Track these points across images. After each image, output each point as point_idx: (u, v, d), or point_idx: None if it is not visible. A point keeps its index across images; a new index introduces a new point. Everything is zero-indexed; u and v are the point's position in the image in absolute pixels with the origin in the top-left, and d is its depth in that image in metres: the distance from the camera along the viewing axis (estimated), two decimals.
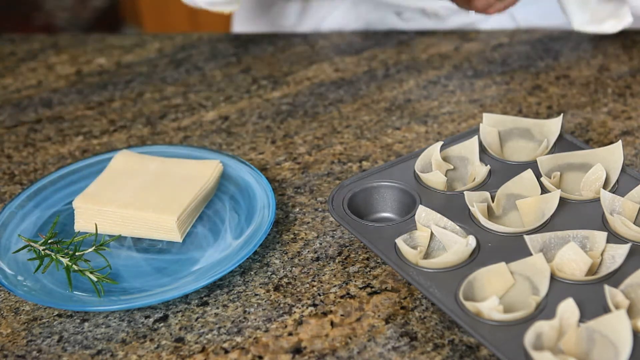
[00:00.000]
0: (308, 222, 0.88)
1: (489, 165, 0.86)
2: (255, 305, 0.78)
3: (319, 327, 0.75)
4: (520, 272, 0.73)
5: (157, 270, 0.83)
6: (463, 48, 1.20)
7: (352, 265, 0.82)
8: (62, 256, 0.81)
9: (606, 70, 1.11)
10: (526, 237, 0.75)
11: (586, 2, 1.00)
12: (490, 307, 0.69)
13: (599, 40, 1.17)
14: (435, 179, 0.84)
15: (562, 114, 0.92)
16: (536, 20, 1.24)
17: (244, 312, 0.78)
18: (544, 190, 0.82)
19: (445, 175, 0.85)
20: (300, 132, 1.03)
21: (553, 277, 0.72)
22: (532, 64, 1.14)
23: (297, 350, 0.73)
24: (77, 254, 0.81)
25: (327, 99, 1.10)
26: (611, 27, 0.98)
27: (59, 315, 0.79)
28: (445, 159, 0.88)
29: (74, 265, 0.80)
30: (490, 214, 0.82)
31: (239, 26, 1.40)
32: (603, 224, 0.78)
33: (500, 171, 0.86)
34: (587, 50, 1.16)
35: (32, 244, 0.82)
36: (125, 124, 1.09)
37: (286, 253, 0.84)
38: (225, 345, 0.74)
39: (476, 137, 0.89)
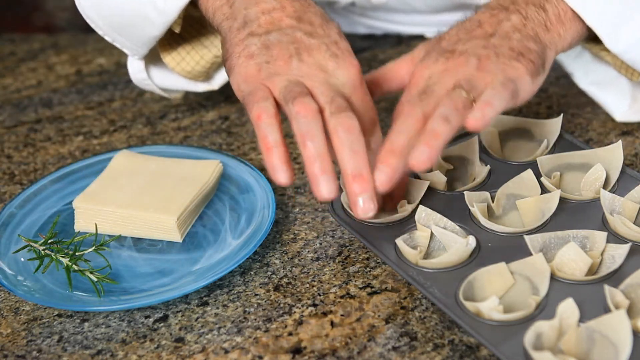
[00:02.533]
0: (308, 222, 0.88)
1: (489, 165, 0.86)
2: (255, 305, 0.78)
3: (319, 327, 0.75)
4: (520, 272, 0.73)
5: (157, 270, 0.83)
6: None
7: (352, 265, 0.82)
8: (62, 256, 0.81)
9: None
10: (526, 237, 0.75)
11: (625, 92, 0.97)
12: (490, 307, 0.69)
13: None
14: (435, 179, 0.84)
15: (562, 114, 0.92)
16: None
17: (244, 312, 0.78)
18: (544, 190, 0.82)
19: (445, 175, 0.85)
20: None
21: (553, 277, 0.72)
22: None
23: (297, 350, 0.73)
24: (77, 254, 0.81)
25: None
26: None
27: (59, 315, 0.79)
28: (445, 159, 0.88)
29: (74, 265, 0.80)
30: (490, 214, 0.82)
31: None
32: (603, 224, 0.78)
33: (500, 171, 0.86)
34: None
35: (32, 244, 0.82)
36: (125, 124, 1.09)
37: (286, 253, 0.84)
38: (225, 345, 0.74)
39: (476, 137, 0.89)
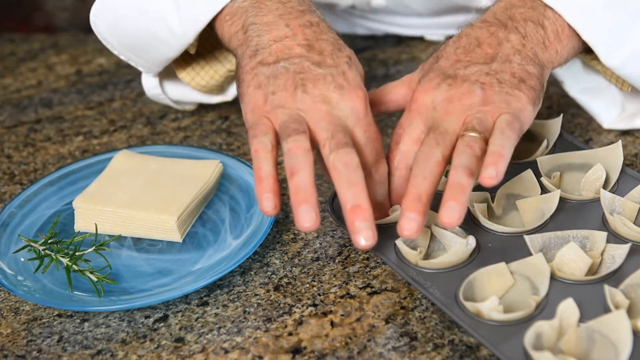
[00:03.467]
0: None
1: None
2: (255, 305, 0.78)
3: (319, 327, 0.75)
4: (520, 272, 0.73)
5: (157, 270, 0.83)
6: None
7: (352, 265, 0.82)
8: (62, 256, 0.81)
9: None
10: (526, 237, 0.75)
11: (615, 101, 0.97)
12: (490, 307, 0.69)
13: None
14: None
15: (562, 114, 0.92)
16: None
17: (244, 312, 0.78)
18: (544, 190, 0.82)
19: (445, 176, 0.85)
20: None
21: (553, 277, 0.72)
22: None
23: (297, 350, 0.73)
24: (77, 254, 0.81)
25: None
26: None
27: (59, 315, 0.79)
28: None
29: (74, 265, 0.80)
30: (490, 214, 0.82)
31: None
32: (603, 224, 0.78)
33: None
34: None
35: (32, 244, 0.82)
36: (125, 124, 1.09)
37: (286, 253, 0.84)
38: (225, 345, 0.74)
39: None
